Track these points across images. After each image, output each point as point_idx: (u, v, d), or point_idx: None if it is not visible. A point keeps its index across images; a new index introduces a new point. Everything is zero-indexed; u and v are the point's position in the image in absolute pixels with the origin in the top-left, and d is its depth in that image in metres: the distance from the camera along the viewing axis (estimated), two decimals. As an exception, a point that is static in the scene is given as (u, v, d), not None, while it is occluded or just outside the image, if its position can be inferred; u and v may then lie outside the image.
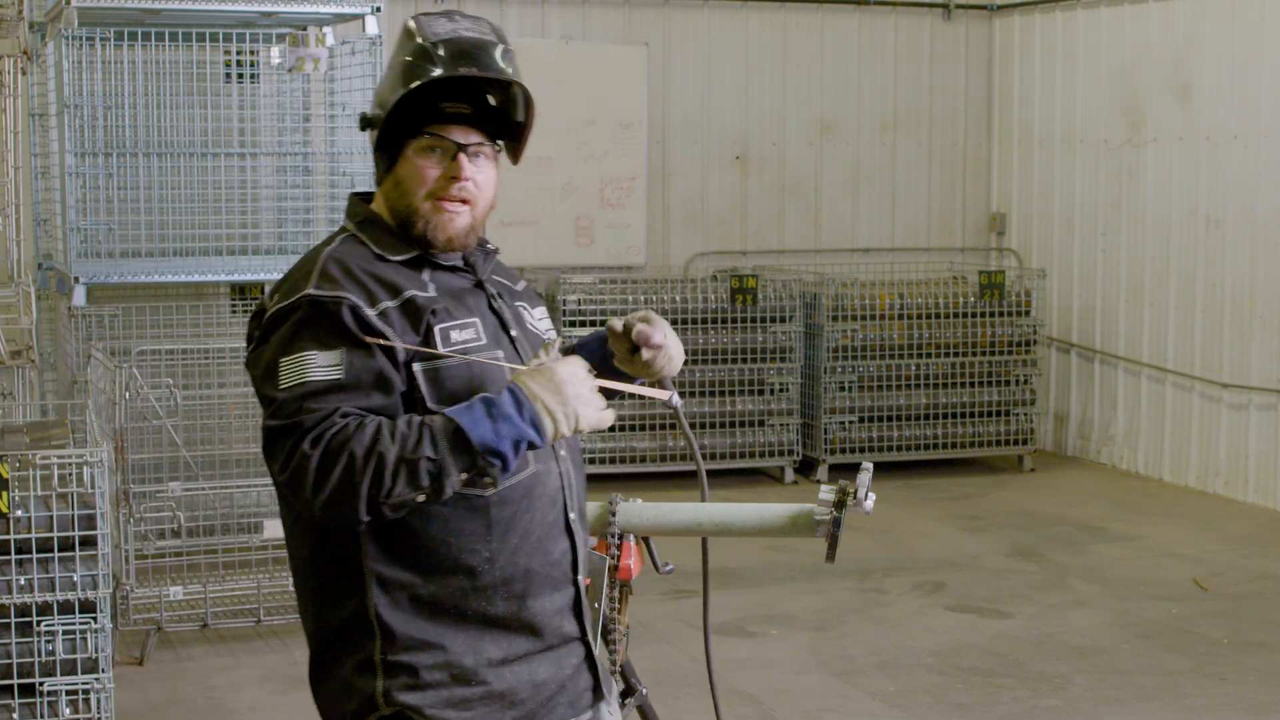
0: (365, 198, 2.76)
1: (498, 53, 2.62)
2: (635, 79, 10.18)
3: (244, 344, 2.67)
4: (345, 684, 2.58)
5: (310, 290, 2.52)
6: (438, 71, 2.57)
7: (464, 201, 2.66)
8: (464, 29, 2.62)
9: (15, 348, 6.45)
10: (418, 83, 2.57)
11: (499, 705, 2.58)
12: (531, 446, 2.45)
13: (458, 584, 2.56)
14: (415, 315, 2.55)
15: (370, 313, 2.51)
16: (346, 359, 2.47)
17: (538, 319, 2.84)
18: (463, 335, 2.59)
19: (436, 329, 2.56)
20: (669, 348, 2.84)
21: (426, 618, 2.56)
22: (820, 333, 9.48)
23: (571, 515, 2.70)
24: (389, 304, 2.54)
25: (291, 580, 2.72)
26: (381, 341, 2.50)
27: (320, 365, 2.46)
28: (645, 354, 2.82)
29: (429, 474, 2.40)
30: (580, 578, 2.74)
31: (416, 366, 2.53)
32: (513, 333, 2.72)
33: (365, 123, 2.68)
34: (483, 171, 2.68)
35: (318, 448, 2.39)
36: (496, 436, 2.41)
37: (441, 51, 2.59)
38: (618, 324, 2.84)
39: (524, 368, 2.53)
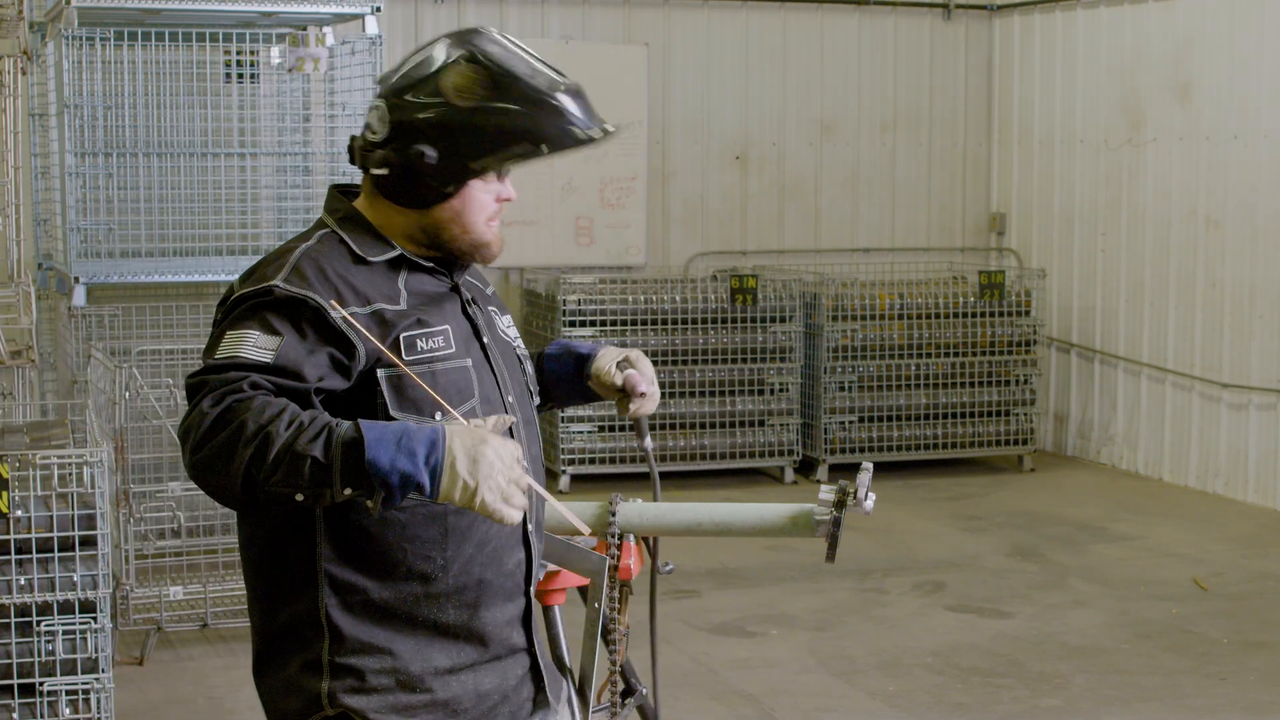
0: (346, 191, 2.73)
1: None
2: (635, 79, 10.18)
3: None
4: (290, 682, 2.56)
5: (277, 282, 2.48)
6: (587, 133, 2.59)
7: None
8: (559, 74, 2.62)
9: (15, 348, 6.45)
10: (573, 148, 2.59)
11: (442, 713, 2.58)
12: (420, 492, 2.31)
13: (411, 590, 2.55)
14: (382, 325, 2.53)
15: (335, 315, 2.48)
16: (285, 345, 2.42)
17: (506, 327, 2.84)
18: (430, 344, 2.56)
19: (402, 337, 2.54)
20: (652, 395, 2.95)
21: (377, 622, 2.54)
22: (820, 333, 9.48)
23: (530, 526, 2.70)
24: (357, 309, 2.51)
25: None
26: (357, 331, 2.48)
27: (256, 345, 2.42)
28: (633, 404, 2.95)
29: (311, 475, 2.29)
30: (532, 588, 2.74)
31: (380, 371, 2.51)
32: (484, 339, 2.70)
33: (420, 155, 2.58)
34: None
35: (216, 407, 2.33)
36: (390, 466, 2.29)
37: (571, 107, 2.58)
38: (616, 377, 2.94)
39: (461, 421, 2.43)
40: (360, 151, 2.66)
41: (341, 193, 2.73)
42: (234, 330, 2.45)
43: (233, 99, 7.72)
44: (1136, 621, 6.80)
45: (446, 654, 2.58)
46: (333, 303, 2.49)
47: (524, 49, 2.63)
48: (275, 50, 7.39)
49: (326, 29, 7.07)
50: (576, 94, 2.61)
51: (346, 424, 2.32)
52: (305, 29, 7.02)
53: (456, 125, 2.57)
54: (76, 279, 6.53)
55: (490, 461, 2.31)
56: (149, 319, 7.25)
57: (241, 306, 2.49)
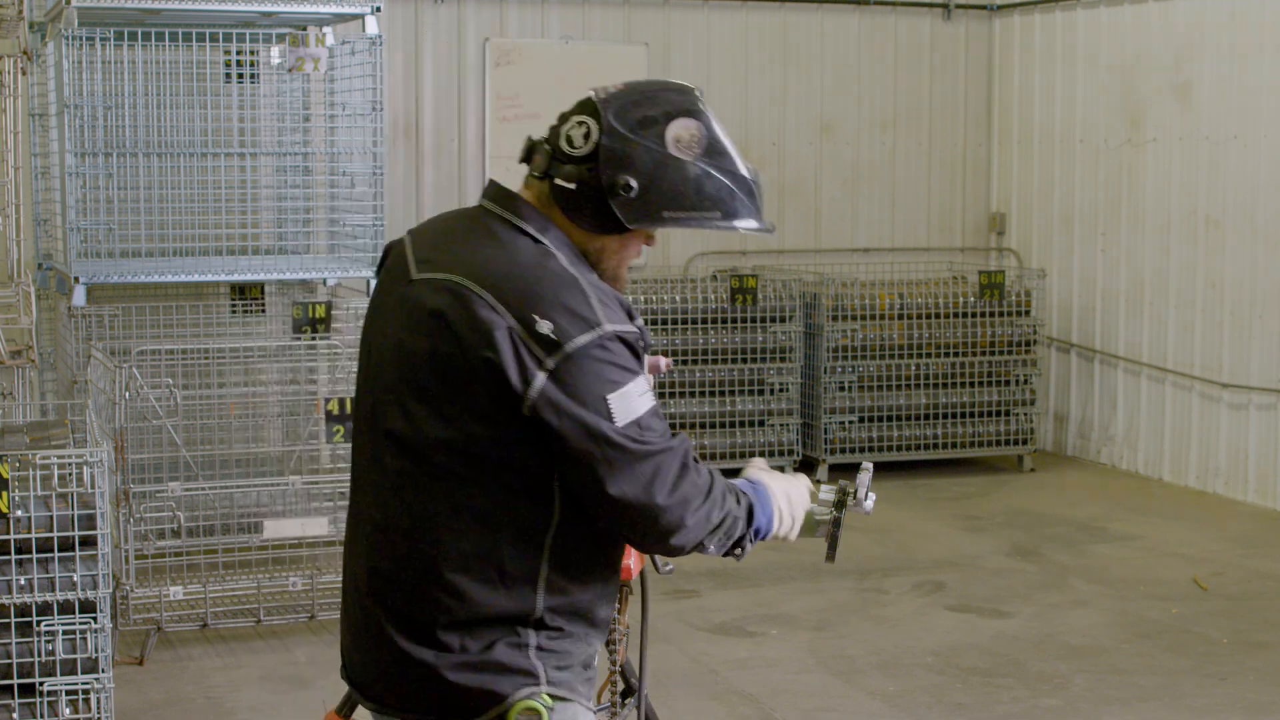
0: (510, 195, 2.75)
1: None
2: (635, 79, 10.16)
3: (393, 347, 2.68)
4: (495, 665, 2.67)
5: (611, 328, 2.60)
6: (765, 225, 2.77)
7: None
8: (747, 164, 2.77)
9: (15, 348, 6.46)
10: (746, 230, 2.75)
11: (588, 689, 2.81)
12: (762, 539, 2.80)
13: (599, 591, 2.77)
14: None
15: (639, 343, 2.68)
16: (643, 380, 2.65)
17: None
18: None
19: (645, 357, 2.74)
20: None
21: (571, 620, 2.74)
22: (820, 333, 9.48)
23: None
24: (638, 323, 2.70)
25: (394, 569, 2.72)
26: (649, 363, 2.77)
27: (640, 394, 2.62)
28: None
29: (731, 537, 2.73)
30: None
31: None
32: None
33: (626, 186, 2.66)
34: None
35: (689, 469, 2.64)
36: (767, 524, 2.80)
37: (759, 197, 2.76)
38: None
39: (763, 467, 2.91)
40: (549, 158, 2.71)
41: (517, 200, 2.76)
42: (614, 391, 2.59)
43: (233, 99, 7.72)
44: (1136, 621, 6.80)
45: (595, 643, 2.83)
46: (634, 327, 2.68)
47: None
48: (275, 50, 7.39)
49: (326, 29, 7.08)
50: (760, 186, 2.78)
51: (743, 495, 2.77)
52: (305, 29, 7.02)
53: (666, 172, 2.67)
54: (76, 279, 6.53)
55: (798, 500, 2.88)
56: (149, 319, 7.25)
57: (593, 361, 2.58)
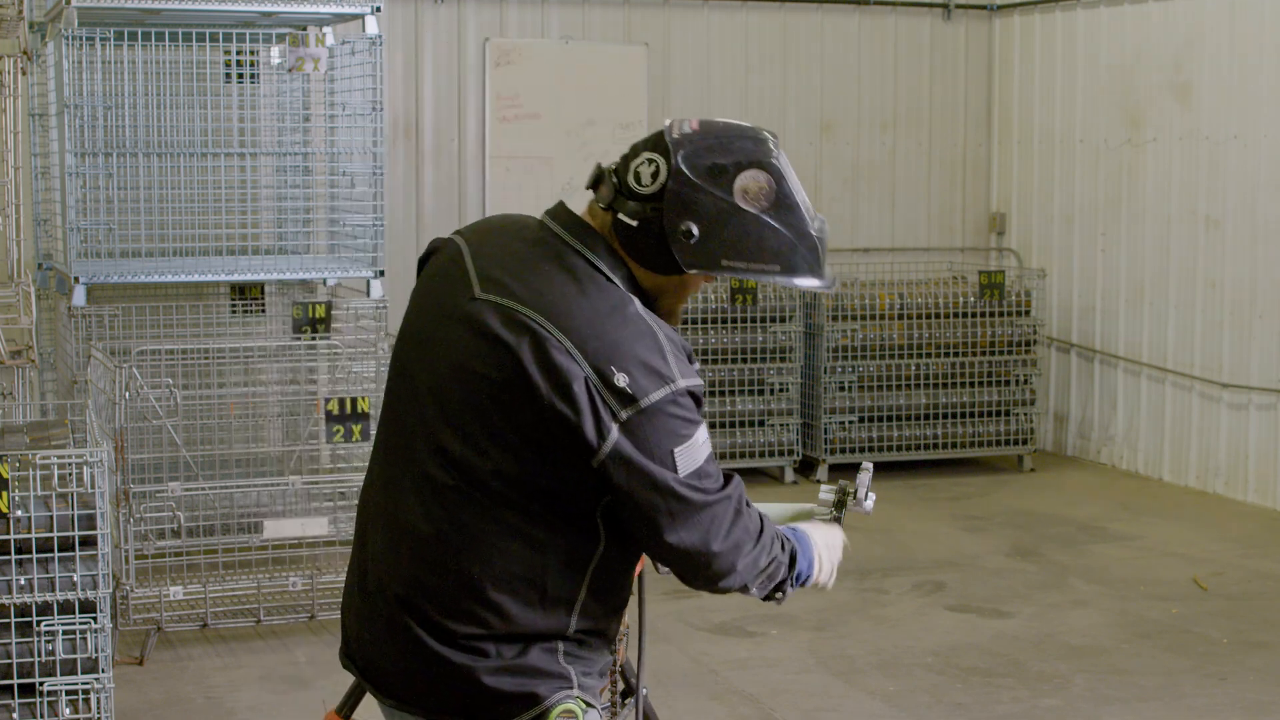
0: (585, 226, 2.74)
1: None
2: (635, 79, 10.18)
3: (525, 384, 2.61)
4: (532, 670, 2.72)
5: (683, 384, 2.62)
6: (827, 282, 2.78)
7: None
8: (819, 217, 2.77)
9: (15, 348, 6.46)
10: (807, 288, 2.78)
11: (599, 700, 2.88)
12: (801, 584, 2.89)
13: (618, 612, 2.85)
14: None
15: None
16: (705, 430, 2.69)
17: None
18: None
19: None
20: None
21: (598, 634, 2.82)
22: (820, 333, 9.48)
23: None
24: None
25: (436, 580, 2.73)
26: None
27: (702, 442, 2.66)
28: None
29: (774, 580, 2.80)
30: None
31: None
32: None
33: (688, 232, 2.66)
34: None
35: (742, 515, 2.71)
36: (807, 569, 2.89)
37: (822, 253, 2.76)
38: None
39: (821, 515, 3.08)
40: (614, 191, 2.70)
41: (587, 228, 2.75)
42: (680, 446, 2.62)
43: (233, 99, 7.72)
44: (1136, 621, 6.80)
45: (608, 655, 2.90)
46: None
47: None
48: (275, 50, 7.39)
49: (326, 29, 7.08)
50: (824, 243, 2.77)
51: (787, 541, 2.86)
52: (305, 29, 7.02)
53: (730, 223, 2.66)
54: (76, 279, 6.53)
55: (837, 548, 3.01)
56: (149, 319, 7.25)
57: (663, 417, 2.60)
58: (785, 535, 2.87)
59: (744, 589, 2.77)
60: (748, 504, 2.74)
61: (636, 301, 2.67)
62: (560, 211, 2.78)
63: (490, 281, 2.69)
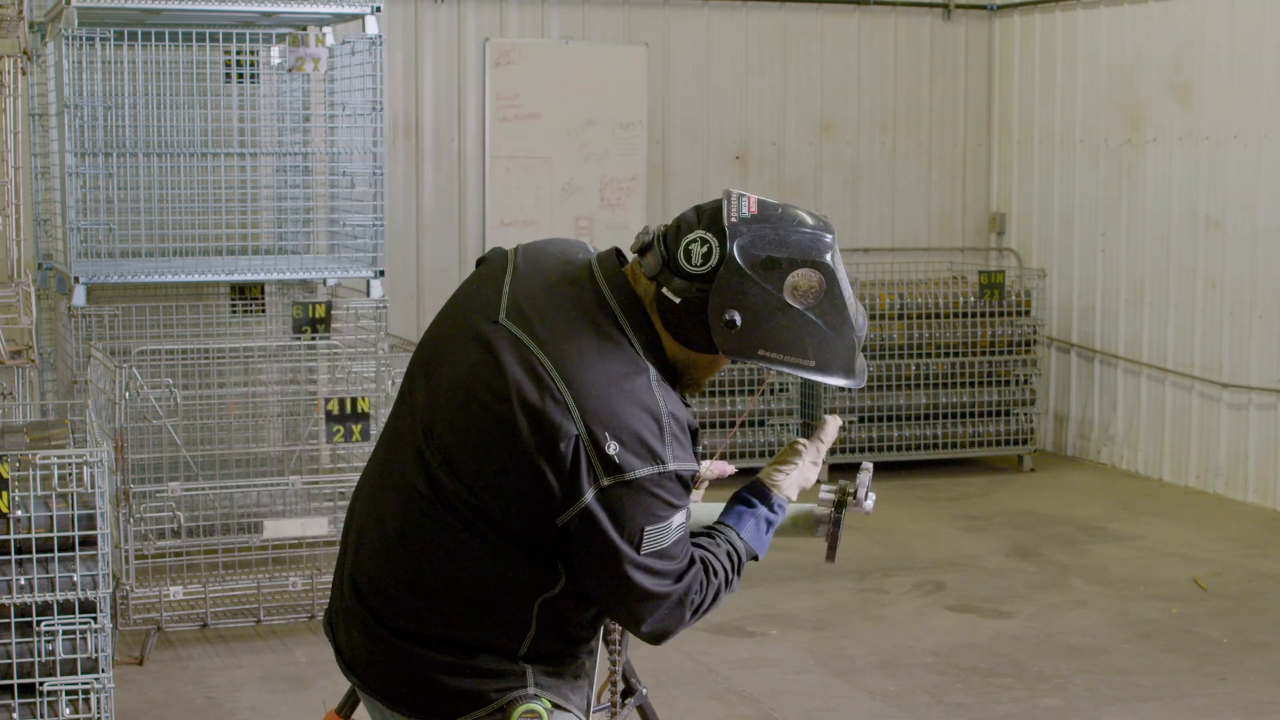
0: (627, 288, 2.70)
1: None
2: (635, 79, 10.18)
3: (528, 431, 2.59)
4: (484, 670, 2.70)
5: (673, 467, 2.59)
6: (859, 381, 2.78)
7: None
8: (863, 314, 2.78)
9: (15, 348, 6.46)
10: (837, 386, 2.81)
11: (580, 699, 2.85)
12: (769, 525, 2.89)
13: (581, 648, 2.80)
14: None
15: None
16: (687, 512, 2.67)
17: None
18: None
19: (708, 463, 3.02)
20: None
21: (556, 656, 2.77)
22: (820, 333, 9.47)
23: None
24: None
25: (394, 583, 2.73)
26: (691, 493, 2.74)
27: (677, 525, 2.63)
28: None
29: (723, 593, 2.78)
30: None
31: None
32: None
33: (730, 322, 2.63)
34: None
35: (683, 605, 2.68)
36: (760, 547, 2.86)
37: (856, 352, 2.75)
38: None
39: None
40: (662, 263, 2.65)
41: (632, 292, 2.71)
42: (652, 525, 2.60)
43: (233, 99, 7.72)
44: (1136, 621, 6.80)
45: (585, 659, 2.87)
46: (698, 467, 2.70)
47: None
48: (275, 50, 7.39)
49: (326, 29, 7.08)
50: (861, 340, 2.77)
51: (739, 545, 2.81)
52: (305, 29, 7.02)
53: (775, 317, 2.64)
54: (76, 279, 6.53)
55: (810, 480, 2.98)
56: (149, 319, 7.25)
57: (644, 493, 2.58)
58: (726, 560, 2.79)
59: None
60: (706, 577, 2.71)
61: (653, 372, 2.63)
62: (608, 262, 2.73)
63: (516, 311, 2.66)
